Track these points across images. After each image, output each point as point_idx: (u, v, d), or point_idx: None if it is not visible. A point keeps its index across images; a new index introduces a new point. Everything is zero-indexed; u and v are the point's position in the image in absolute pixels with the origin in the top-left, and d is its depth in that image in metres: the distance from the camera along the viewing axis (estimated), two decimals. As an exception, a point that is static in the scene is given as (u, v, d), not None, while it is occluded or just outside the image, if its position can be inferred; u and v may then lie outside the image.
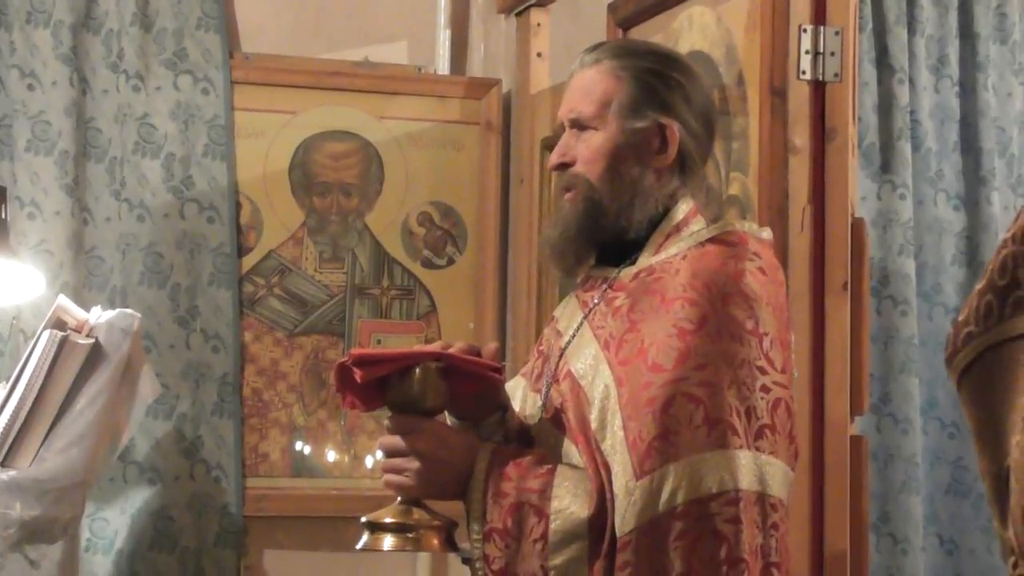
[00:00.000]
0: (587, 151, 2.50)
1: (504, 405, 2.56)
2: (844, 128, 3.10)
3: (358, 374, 2.36)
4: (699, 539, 2.24)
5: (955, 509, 4.16)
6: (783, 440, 2.34)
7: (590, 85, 2.51)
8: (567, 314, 2.59)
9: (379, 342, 4.50)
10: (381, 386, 2.40)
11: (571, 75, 2.57)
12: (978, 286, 1.55)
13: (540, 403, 2.52)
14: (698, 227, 2.50)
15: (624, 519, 2.26)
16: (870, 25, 4.23)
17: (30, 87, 4.29)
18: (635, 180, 2.48)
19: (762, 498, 2.29)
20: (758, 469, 2.29)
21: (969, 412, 1.58)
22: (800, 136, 3.12)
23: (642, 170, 2.49)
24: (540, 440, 2.48)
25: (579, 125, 2.51)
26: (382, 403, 2.43)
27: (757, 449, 2.29)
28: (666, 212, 2.50)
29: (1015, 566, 1.48)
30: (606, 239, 2.52)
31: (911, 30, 4.26)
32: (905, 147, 4.21)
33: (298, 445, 4.47)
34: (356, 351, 2.41)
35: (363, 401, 2.45)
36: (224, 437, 4.36)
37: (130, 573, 4.25)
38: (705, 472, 2.25)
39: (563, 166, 2.53)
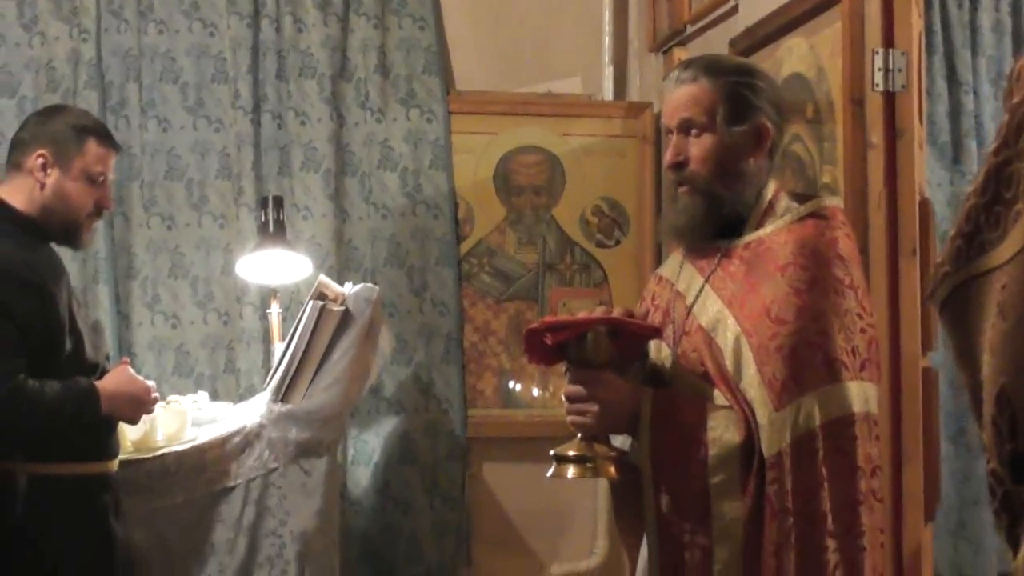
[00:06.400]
0: (700, 152, 2.39)
1: (645, 355, 2.48)
2: (911, 128, 3.01)
3: (549, 338, 2.31)
4: (828, 453, 2.19)
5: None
6: (875, 368, 2.29)
7: (695, 98, 2.39)
8: (684, 278, 2.48)
9: (564, 305, 4.50)
10: (559, 347, 2.34)
11: (668, 88, 2.46)
12: (951, 232, 1.49)
13: (669, 351, 2.43)
14: (785, 203, 2.42)
15: (770, 444, 2.21)
16: (941, 49, 4.15)
17: (302, 123, 4.39)
18: (741, 172, 2.39)
19: (867, 417, 2.24)
20: (864, 394, 2.23)
21: (950, 336, 1.52)
22: (876, 135, 3.04)
23: (746, 163, 2.39)
24: (676, 380, 2.40)
25: (690, 129, 2.40)
26: (560, 360, 2.37)
27: (862, 379, 2.23)
28: (759, 192, 2.42)
29: (988, 461, 1.43)
30: (722, 221, 2.42)
31: (974, 52, 4.18)
32: (971, 144, 4.13)
33: (507, 384, 4.50)
34: (547, 319, 2.36)
35: (545, 359, 2.38)
36: (450, 379, 4.41)
37: (383, 480, 4.34)
38: (828, 401, 2.20)
39: (679, 165, 2.41)
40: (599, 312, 2.38)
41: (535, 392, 4.51)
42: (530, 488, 4.35)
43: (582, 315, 2.37)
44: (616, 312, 2.37)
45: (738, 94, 2.39)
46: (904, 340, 3.00)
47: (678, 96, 2.42)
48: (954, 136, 4.17)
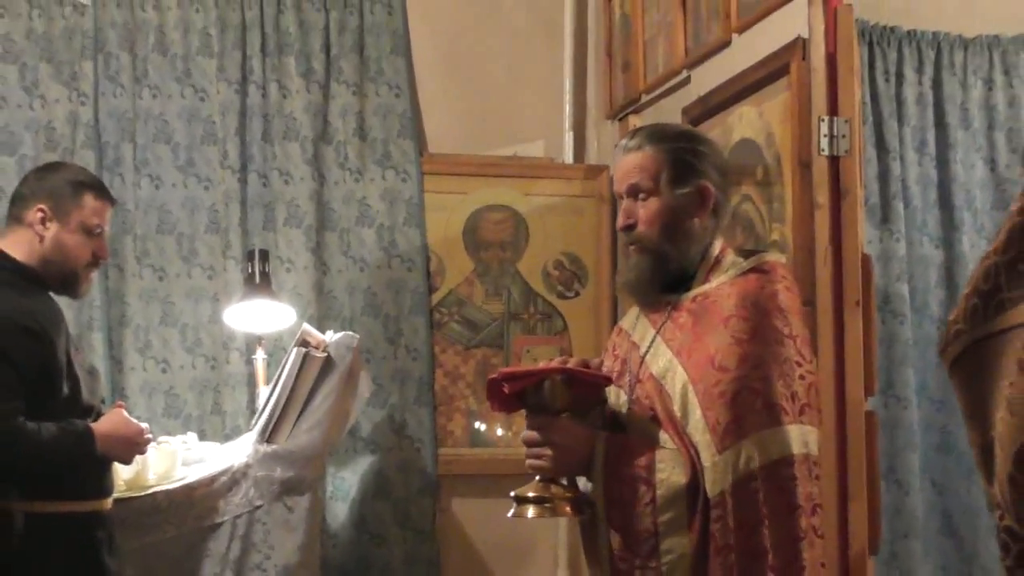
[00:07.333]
0: (647, 214, 2.36)
1: (604, 400, 2.43)
2: (854, 189, 2.96)
3: (507, 387, 2.26)
4: (770, 493, 2.13)
5: (943, 461, 4.03)
6: (815, 412, 2.24)
7: (640, 165, 2.37)
8: (639, 330, 2.44)
9: (528, 352, 4.41)
10: (519, 394, 2.29)
11: (617, 156, 2.42)
12: (965, 291, 1.38)
13: (626, 397, 2.38)
14: (731, 259, 2.38)
15: (714, 484, 2.15)
16: (871, 119, 4.14)
17: (286, 182, 4.31)
18: (687, 231, 2.35)
19: (807, 458, 2.18)
20: (803, 437, 2.17)
21: (960, 394, 1.39)
22: (822, 196, 2.98)
23: (691, 222, 2.35)
24: (631, 425, 2.35)
25: (637, 194, 2.37)
26: (520, 407, 2.31)
27: (801, 423, 2.18)
28: (706, 249, 2.38)
29: (1001, 517, 1.32)
30: (671, 277, 2.38)
31: (900, 122, 4.19)
32: (899, 205, 4.12)
33: (474, 424, 4.40)
34: (505, 370, 2.31)
35: (506, 406, 2.33)
36: (422, 420, 4.31)
37: (360, 515, 4.23)
38: (768, 444, 2.15)
39: (629, 227, 2.39)
40: (555, 362, 2.33)
41: (500, 432, 4.41)
42: (496, 522, 4.24)
43: (541, 365, 2.33)
44: (571, 362, 2.33)
45: (681, 159, 2.36)
46: (849, 385, 2.94)
47: (626, 163, 2.39)
48: (882, 198, 4.16)
